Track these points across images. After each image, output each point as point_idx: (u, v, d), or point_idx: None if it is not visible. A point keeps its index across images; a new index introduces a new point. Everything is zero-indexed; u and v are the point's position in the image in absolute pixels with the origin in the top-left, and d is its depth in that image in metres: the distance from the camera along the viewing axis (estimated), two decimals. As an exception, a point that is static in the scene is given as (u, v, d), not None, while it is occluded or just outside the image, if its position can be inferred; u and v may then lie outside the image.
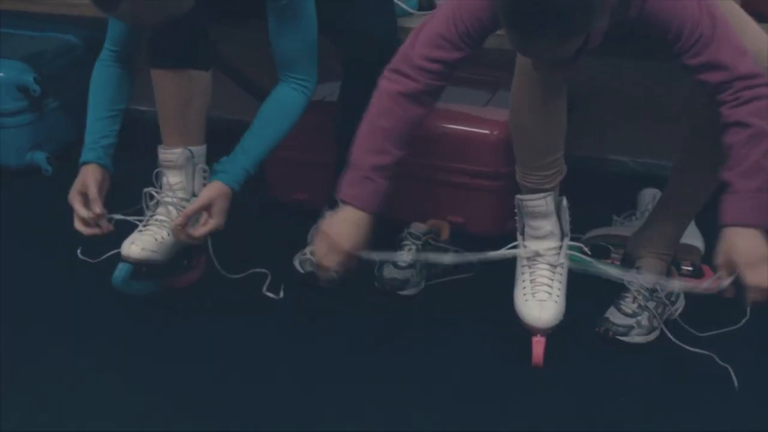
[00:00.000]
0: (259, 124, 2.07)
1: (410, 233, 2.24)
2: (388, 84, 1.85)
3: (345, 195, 1.89)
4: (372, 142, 1.87)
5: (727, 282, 1.75)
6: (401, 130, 1.87)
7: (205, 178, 2.13)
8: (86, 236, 2.03)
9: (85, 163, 2.07)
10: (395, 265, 2.19)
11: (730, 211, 1.74)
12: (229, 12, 2.14)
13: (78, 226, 2.03)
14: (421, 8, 2.36)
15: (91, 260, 2.28)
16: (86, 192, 2.03)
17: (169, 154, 2.09)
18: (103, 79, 2.13)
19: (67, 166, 2.74)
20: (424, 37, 1.83)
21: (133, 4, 1.76)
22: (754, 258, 1.71)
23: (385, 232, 2.27)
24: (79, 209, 2.01)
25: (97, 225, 2.03)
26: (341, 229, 1.87)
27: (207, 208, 2.00)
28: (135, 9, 1.77)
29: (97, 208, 2.01)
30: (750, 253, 1.72)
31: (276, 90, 2.08)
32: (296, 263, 2.20)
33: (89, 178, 2.04)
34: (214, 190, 2.00)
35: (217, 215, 2.00)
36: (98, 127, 2.10)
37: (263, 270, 2.22)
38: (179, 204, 2.09)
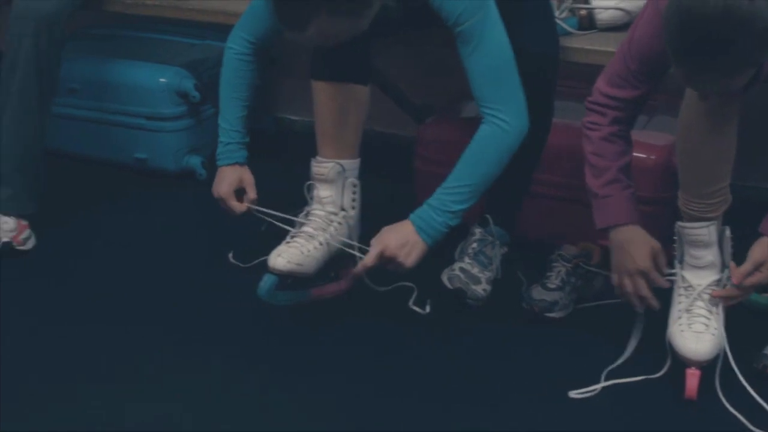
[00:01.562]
0: (455, 168, 2.00)
1: (560, 255, 2.21)
2: (586, 117, 1.97)
3: (603, 222, 1.96)
4: (592, 169, 1.96)
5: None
6: (604, 148, 1.95)
7: (354, 192, 2.15)
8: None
9: (237, 163, 2.15)
10: (544, 286, 2.16)
11: None
12: (392, 28, 2.14)
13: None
14: (581, 28, 2.33)
15: (241, 264, 2.32)
16: (242, 189, 2.15)
17: (321, 167, 2.12)
18: (241, 72, 2.17)
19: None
20: (606, 74, 1.93)
21: (320, 28, 1.78)
22: None
23: (535, 253, 2.27)
24: (236, 205, 2.15)
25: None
26: (629, 253, 1.92)
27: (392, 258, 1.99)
28: (321, 32, 1.80)
29: (254, 194, 2.15)
30: None
31: (478, 130, 1.99)
32: (444, 279, 2.19)
33: (248, 179, 2.14)
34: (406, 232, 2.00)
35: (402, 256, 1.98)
36: (240, 125, 2.17)
37: (410, 284, 2.22)
38: (327, 217, 2.11)
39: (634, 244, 1.92)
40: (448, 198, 1.98)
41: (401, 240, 1.97)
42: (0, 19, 2.60)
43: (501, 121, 1.96)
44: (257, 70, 2.17)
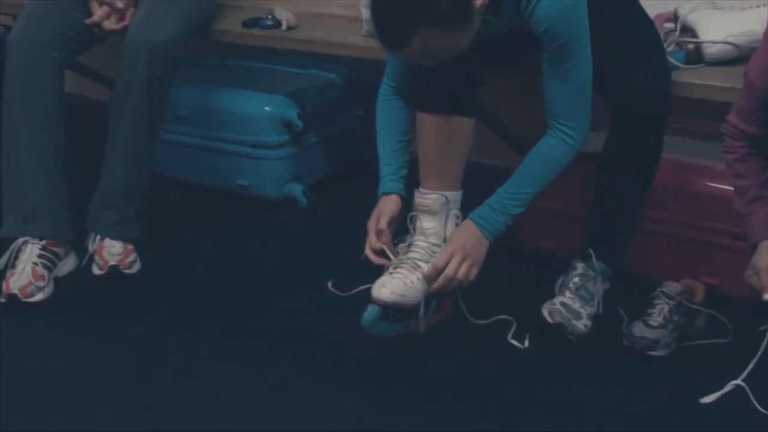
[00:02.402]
0: (517, 174, 2.08)
1: (663, 292, 2.17)
2: (723, 142, 1.97)
3: (750, 240, 1.94)
4: (736, 191, 1.97)
5: None
6: (742, 168, 1.95)
7: (457, 224, 2.15)
8: (373, 264, 2.12)
9: (386, 194, 2.15)
10: (646, 323, 2.13)
11: None
12: (495, 59, 2.16)
13: (368, 252, 2.12)
14: (688, 62, 2.30)
15: (340, 293, 2.34)
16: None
17: (424, 199, 2.12)
18: (389, 112, 2.20)
19: (321, 199, 2.86)
20: (735, 105, 1.93)
21: (421, 44, 1.81)
22: None
23: (636, 289, 2.24)
24: (372, 240, 2.10)
25: (385, 257, 2.11)
26: (760, 255, 1.90)
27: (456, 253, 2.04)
28: (422, 48, 1.82)
29: (383, 238, 2.10)
30: None
31: (542, 140, 2.07)
32: (545, 313, 2.17)
33: (385, 208, 2.13)
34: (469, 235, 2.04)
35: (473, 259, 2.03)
36: (394, 158, 2.18)
37: (509, 317, 2.21)
38: (430, 249, 2.11)
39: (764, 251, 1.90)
40: (510, 202, 2.05)
41: (471, 239, 2.04)
42: (112, 48, 2.68)
43: (569, 137, 2.03)
44: (406, 109, 2.19)
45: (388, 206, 2.14)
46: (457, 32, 1.84)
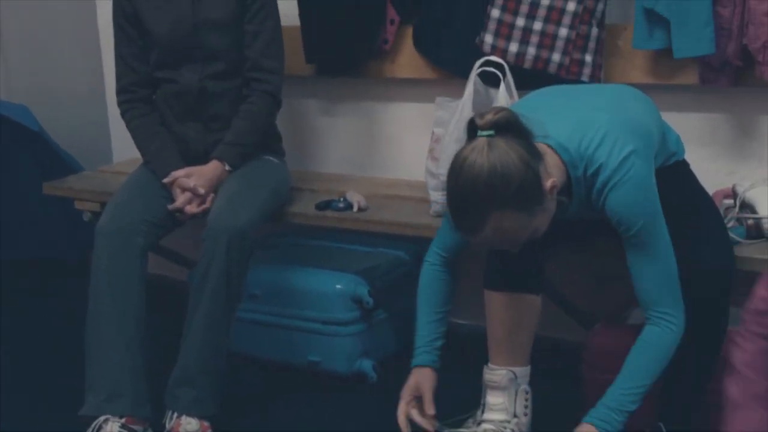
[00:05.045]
0: (628, 369, 2.05)
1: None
2: (746, 325, 1.95)
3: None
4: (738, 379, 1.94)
5: None
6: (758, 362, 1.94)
7: (526, 399, 2.17)
8: None
9: (419, 366, 2.19)
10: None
11: None
12: (560, 237, 2.22)
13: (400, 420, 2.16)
14: (748, 237, 2.34)
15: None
16: (420, 394, 2.14)
17: (493, 374, 2.16)
18: (433, 283, 2.26)
19: (391, 374, 2.88)
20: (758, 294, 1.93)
21: (494, 227, 1.87)
22: None
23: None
24: (417, 417, 2.14)
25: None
26: None
27: None
28: (497, 232, 1.88)
29: (431, 411, 2.12)
30: None
31: (646, 331, 2.05)
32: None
33: (425, 382, 2.16)
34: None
35: None
36: (429, 330, 2.23)
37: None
38: (499, 425, 2.13)
39: None
40: (626, 399, 2.02)
41: None
42: (189, 230, 2.79)
43: (670, 323, 2.02)
44: (450, 281, 2.26)
45: (427, 380, 2.18)
46: (530, 214, 1.89)
